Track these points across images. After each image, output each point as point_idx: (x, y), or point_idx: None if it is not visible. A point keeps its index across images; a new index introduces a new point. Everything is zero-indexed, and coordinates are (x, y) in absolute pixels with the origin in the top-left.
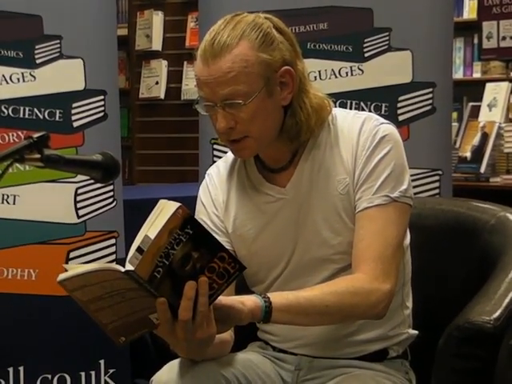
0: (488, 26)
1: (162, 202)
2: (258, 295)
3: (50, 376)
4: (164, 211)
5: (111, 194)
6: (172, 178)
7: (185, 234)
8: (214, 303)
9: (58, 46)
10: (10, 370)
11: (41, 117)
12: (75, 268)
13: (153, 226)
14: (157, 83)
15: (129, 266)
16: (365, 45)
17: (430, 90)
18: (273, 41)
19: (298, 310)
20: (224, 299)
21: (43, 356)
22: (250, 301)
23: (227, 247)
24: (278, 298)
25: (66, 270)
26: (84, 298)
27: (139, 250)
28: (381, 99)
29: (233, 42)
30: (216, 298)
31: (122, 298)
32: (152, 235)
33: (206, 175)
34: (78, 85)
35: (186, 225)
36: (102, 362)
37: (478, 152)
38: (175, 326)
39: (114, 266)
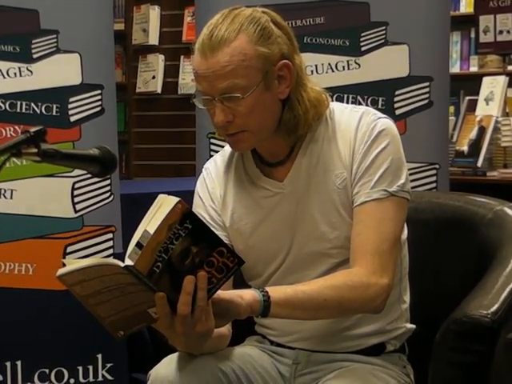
0: (485, 20)
1: (161, 196)
2: (257, 289)
3: (47, 370)
4: (163, 206)
5: (108, 188)
6: (169, 173)
7: (184, 229)
8: (213, 297)
9: (55, 40)
10: (8, 364)
11: (38, 111)
12: (74, 263)
13: (152, 221)
14: (153, 77)
15: (128, 261)
16: (362, 39)
17: (427, 83)
18: (271, 35)
19: (296, 304)
20: (222, 293)
21: (41, 350)
22: (248, 295)
23: (225, 241)
24: (276, 292)
25: (65, 265)
26: (83, 293)
27: (138, 245)
28: (378, 93)
29: (231, 36)
30: (215, 293)
31: (120, 293)
32: (151, 230)
33: (204, 169)
34: (75, 79)
35: (185, 219)
36: (99, 356)
37: (475, 146)
38: (174, 320)
39: (114, 260)
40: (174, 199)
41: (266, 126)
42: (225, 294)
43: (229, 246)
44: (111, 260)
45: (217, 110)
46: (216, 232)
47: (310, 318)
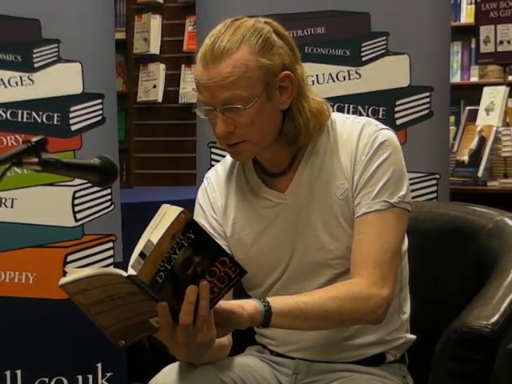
0: (485, 31)
1: (164, 206)
2: (258, 300)
3: (47, 379)
4: (167, 216)
5: (109, 197)
6: (169, 182)
7: (187, 239)
8: (214, 307)
9: (56, 49)
10: (8, 373)
11: (39, 120)
12: (76, 272)
13: (155, 231)
14: (154, 86)
15: (131, 271)
16: (362, 49)
17: (428, 93)
18: (273, 45)
19: (297, 314)
20: (224, 303)
21: (41, 359)
22: (249, 305)
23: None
24: (277, 302)
25: (65, 274)
26: (85, 302)
27: (142, 254)
28: (378, 103)
29: (233, 47)
30: (216, 302)
31: (122, 302)
32: (154, 240)
33: (205, 179)
34: (76, 88)
35: (188, 229)
36: (99, 365)
37: (476, 156)
38: (175, 329)
39: (116, 270)
40: (178, 209)
41: (266, 136)
42: (226, 303)
43: (231, 256)
44: (114, 269)
45: (218, 120)
46: (217, 242)
47: (310, 328)
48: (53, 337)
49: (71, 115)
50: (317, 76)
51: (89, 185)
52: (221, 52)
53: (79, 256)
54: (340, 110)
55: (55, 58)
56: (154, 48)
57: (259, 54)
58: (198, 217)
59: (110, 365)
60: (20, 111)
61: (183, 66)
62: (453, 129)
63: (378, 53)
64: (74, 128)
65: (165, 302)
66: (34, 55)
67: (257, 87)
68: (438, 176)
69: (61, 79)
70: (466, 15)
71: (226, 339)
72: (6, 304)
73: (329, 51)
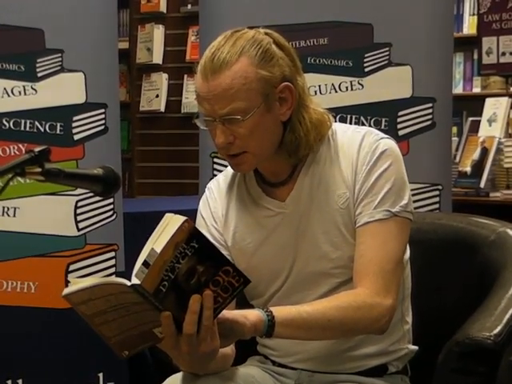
0: (488, 42)
1: (167, 215)
2: (261, 309)
3: None
4: (170, 225)
5: (111, 206)
6: (172, 191)
7: (190, 248)
8: (218, 317)
9: (60, 59)
10: (9, 382)
11: (42, 130)
12: (79, 282)
13: (159, 240)
14: (157, 96)
15: (135, 280)
16: (365, 60)
17: (430, 104)
18: (272, 57)
19: (300, 324)
20: (227, 313)
21: (42, 368)
22: (252, 315)
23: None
24: (280, 312)
25: (68, 284)
26: (88, 312)
27: (145, 263)
28: (381, 114)
29: (232, 59)
30: (220, 312)
31: (126, 312)
32: (158, 249)
33: (206, 189)
34: (79, 98)
35: (192, 239)
36: (100, 375)
37: (478, 167)
38: (179, 339)
39: (120, 279)
40: (181, 218)
41: (266, 147)
42: (229, 313)
43: (235, 266)
44: (117, 279)
45: (218, 131)
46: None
47: (314, 338)
48: (54, 346)
49: (74, 125)
50: (319, 86)
51: (91, 194)
52: (220, 64)
53: (81, 265)
54: (342, 120)
55: (58, 68)
56: (157, 58)
57: (258, 66)
58: (200, 227)
59: (112, 375)
60: (23, 120)
61: (186, 75)
62: (455, 140)
63: (380, 64)
64: (76, 137)
65: (168, 311)
66: (38, 65)
67: (256, 99)
68: (440, 187)
69: (64, 89)
70: (469, 26)
71: (230, 349)
72: (8, 313)
73: (331, 62)
